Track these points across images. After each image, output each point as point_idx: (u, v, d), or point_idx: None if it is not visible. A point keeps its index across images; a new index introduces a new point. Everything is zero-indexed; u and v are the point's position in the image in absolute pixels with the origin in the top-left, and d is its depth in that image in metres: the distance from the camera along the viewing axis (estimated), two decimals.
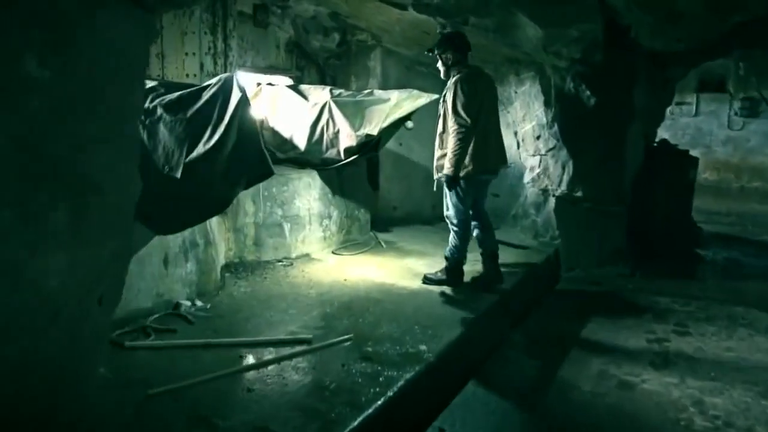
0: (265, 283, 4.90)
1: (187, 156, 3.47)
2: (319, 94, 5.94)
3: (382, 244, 6.20)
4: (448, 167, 4.66)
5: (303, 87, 6.19)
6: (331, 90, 5.95)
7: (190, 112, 3.50)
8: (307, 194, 5.67)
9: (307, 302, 4.48)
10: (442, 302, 4.63)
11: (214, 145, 3.40)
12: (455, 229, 4.97)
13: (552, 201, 6.35)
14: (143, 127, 3.57)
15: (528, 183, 6.65)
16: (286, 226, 5.55)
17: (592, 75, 5.93)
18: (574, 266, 6.07)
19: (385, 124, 5.48)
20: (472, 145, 4.65)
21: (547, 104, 6.21)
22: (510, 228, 6.76)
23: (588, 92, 5.98)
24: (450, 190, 4.80)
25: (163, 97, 3.60)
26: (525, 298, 5.21)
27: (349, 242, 6.16)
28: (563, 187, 6.23)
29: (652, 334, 4.62)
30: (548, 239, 6.38)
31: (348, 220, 6.19)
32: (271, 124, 6.16)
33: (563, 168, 6.24)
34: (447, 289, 4.86)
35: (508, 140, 6.98)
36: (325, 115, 5.77)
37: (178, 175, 3.48)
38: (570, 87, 6.09)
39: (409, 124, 5.75)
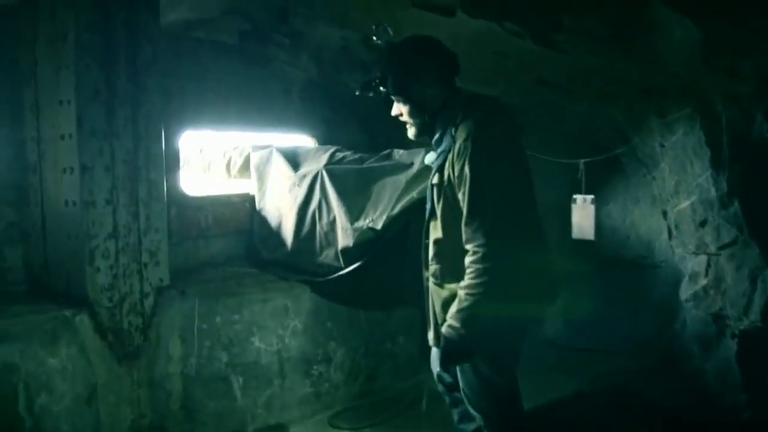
0: None
1: None
2: (317, 160, 3.73)
3: (423, 403, 3.70)
4: (459, 323, 2.26)
5: (303, 149, 4.03)
6: (333, 153, 3.72)
7: None
8: (277, 326, 3.41)
9: None
10: None
11: None
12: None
13: (733, 341, 3.50)
14: None
15: (687, 300, 3.83)
16: (236, 381, 3.31)
17: None
18: None
19: (395, 211, 3.12)
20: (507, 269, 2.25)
21: (716, 164, 3.45)
22: (656, 374, 3.94)
23: None
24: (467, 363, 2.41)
25: None
26: None
27: (371, 397, 3.75)
28: (753, 316, 3.36)
29: None
30: (727, 407, 3.49)
31: (370, 359, 3.80)
32: (258, 207, 4.04)
33: (752, 281, 3.38)
34: None
35: (654, 223, 4.26)
36: (317, 195, 3.54)
37: None
38: (763, 132, 3.32)
39: None
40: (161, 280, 3.29)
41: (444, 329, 2.33)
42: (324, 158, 3.67)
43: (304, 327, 3.50)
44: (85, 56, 3.00)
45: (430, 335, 2.56)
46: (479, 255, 2.21)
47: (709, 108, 3.49)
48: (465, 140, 2.28)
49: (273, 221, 3.86)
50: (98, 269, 3.06)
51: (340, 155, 3.69)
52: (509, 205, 2.27)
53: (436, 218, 2.44)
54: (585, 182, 4.08)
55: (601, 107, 4.16)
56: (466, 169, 2.25)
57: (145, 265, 3.24)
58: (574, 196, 4.14)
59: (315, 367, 3.55)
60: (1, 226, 3.26)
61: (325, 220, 3.47)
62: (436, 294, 2.48)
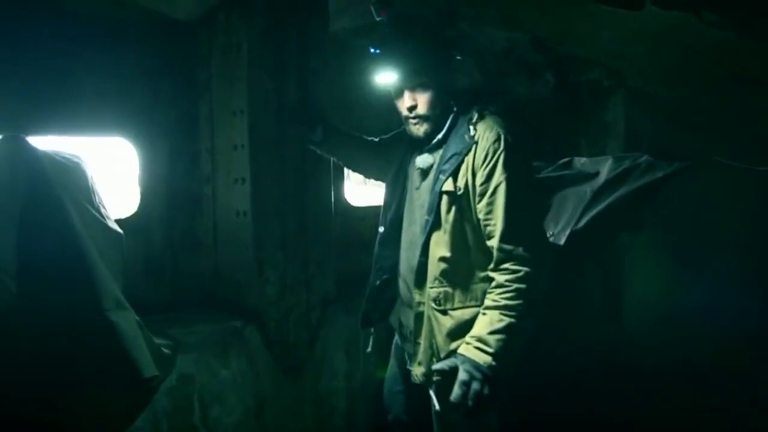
0: None
1: None
2: None
3: None
4: (494, 347, 1.92)
5: None
6: None
7: None
8: None
9: None
10: None
11: None
12: None
13: None
14: None
15: None
16: None
17: None
18: None
19: (580, 225, 2.81)
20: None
21: None
22: None
23: None
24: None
25: None
26: None
27: None
28: None
29: None
30: None
31: None
32: None
33: None
34: None
35: None
36: None
37: None
38: None
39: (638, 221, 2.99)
40: (327, 292, 3.22)
41: (470, 352, 1.94)
42: None
43: None
44: (257, 66, 2.99)
45: (420, 371, 2.18)
46: (520, 275, 1.94)
47: None
48: (495, 141, 1.99)
49: None
50: (267, 280, 3.03)
51: None
52: (540, 221, 2.10)
53: (442, 232, 2.10)
54: None
55: None
56: (500, 177, 1.97)
57: (312, 276, 3.18)
58: None
59: None
60: (176, 235, 3.32)
61: None
62: (436, 322, 2.13)
